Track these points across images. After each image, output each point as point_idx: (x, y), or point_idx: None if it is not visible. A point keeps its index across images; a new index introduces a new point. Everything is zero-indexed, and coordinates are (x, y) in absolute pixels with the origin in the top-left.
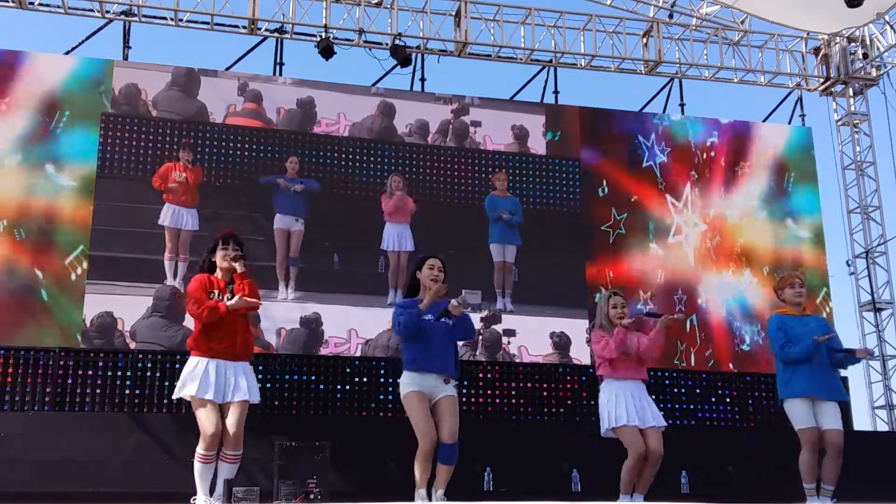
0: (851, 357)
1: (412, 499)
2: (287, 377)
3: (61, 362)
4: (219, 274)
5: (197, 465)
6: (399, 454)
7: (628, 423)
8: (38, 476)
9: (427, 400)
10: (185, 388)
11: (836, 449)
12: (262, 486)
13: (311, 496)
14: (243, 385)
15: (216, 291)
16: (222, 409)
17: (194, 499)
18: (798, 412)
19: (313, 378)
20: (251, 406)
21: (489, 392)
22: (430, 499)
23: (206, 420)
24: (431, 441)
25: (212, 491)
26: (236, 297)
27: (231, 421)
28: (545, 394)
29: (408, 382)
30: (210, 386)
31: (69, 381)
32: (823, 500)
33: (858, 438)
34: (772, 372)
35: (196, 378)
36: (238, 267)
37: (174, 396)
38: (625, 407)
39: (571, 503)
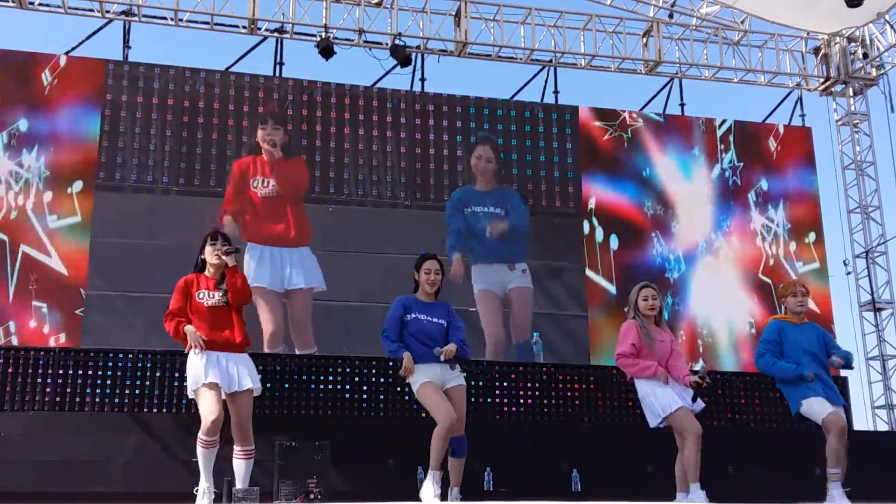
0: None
1: (412, 499)
2: (287, 377)
3: (61, 362)
4: (210, 271)
5: (199, 451)
6: (399, 454)
7: (683, 404)
8: (38, 476)
9: (440, 387)
10: (193, 383)
11: (839, 429)
12: (262, 486)
13: (311, 496)
14: (245, 375)
15: (203, 291)
16: (229, 401)
17: (196, 488)
18: (817, 406)
19: (313, 378)
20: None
21: (489, 392)
22: (444, 497)
23: (205, 406)
24: (452, 420)
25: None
26: (190, 336)
27: (238, 416)
28: (545, 394)
29: (419, 376)
30: (212, 372)
31: (69, 381)
32: (834, 485)
33: (858, 438)
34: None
35: (199, 369)
36: (229, 261)
37: (188, 394)
38: (668, 393)
39: (571, 503)
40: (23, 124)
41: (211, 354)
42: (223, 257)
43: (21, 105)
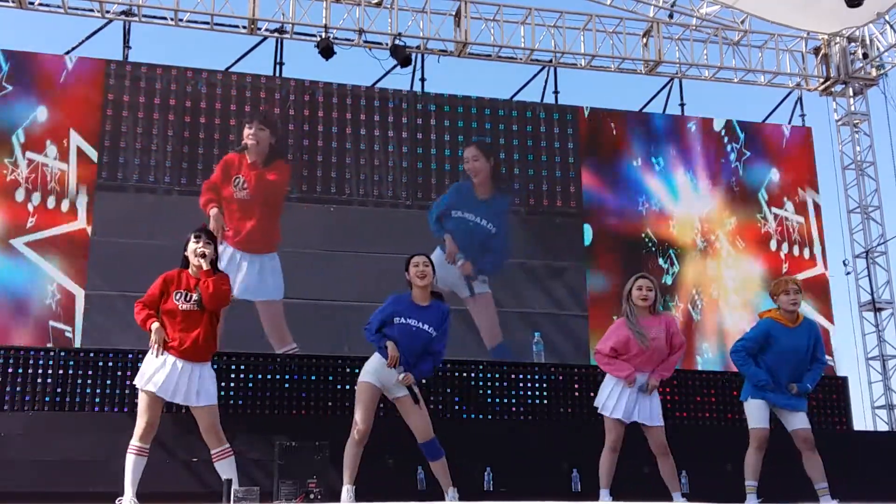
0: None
1: (412, 499)
2: (287, 377)
3: (61, 362)
4: (192, 269)
5: (128, 458)
6: (399, 454)
7: (613, 415)
8: (38, 476)
9: (379, 392)
10: (138, 379)
11: (809, 444)
12: (262, 486)
13: (311, 496)
14: (201, 391)
15: (181, 292)
16: (192, 411)
17: (120, 499)
18: (756, 412)
19: (313, 378)
20: (247, 405)
21: (489, 392)
22: (442, 499)
23: (142, 411)
24: (362, 432)
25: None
26: (154, 334)
27: (202, 428)
28: (545, 394)
29: (370, 369)
30: (159, 381)
31: (69, 381)
32: (825, 499)
33: (858, 438)
34: None
35: (149, 371)
36: (204, 264)
37: (135, 382)
38: (617, 397)
39: (571, 503)
40: (40, 117)
41: (169, 359)
42: (200, 259)
43: (33, 104)
